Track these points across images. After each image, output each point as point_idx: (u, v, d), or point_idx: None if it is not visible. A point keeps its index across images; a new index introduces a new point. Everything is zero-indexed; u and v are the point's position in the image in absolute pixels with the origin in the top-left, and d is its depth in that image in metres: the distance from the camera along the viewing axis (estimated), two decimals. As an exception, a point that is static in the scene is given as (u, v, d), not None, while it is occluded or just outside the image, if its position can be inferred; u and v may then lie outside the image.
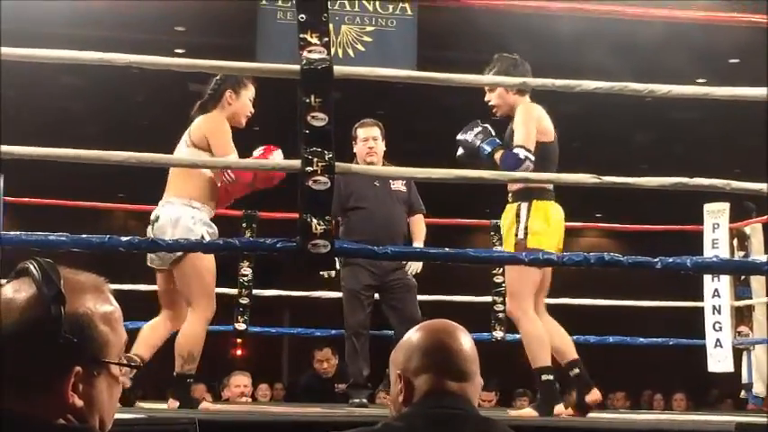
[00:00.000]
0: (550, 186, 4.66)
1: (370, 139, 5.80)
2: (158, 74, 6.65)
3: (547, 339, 4.73)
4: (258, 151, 4.77)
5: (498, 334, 6.70)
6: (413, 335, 2.22)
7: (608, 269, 4.01)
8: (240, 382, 7.60)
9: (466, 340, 2.21)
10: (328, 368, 7.43)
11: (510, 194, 4.78)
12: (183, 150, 4.75)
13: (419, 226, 5.94)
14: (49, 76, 9.00)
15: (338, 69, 3.84)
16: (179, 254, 4.52)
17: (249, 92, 4.84)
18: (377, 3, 7.58)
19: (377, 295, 5.81)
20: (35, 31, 8.37)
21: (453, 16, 8.11)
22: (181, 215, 4.59)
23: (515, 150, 4.52)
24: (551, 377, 4.71)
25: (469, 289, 7.03)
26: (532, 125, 4.61)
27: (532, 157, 4.50)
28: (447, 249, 4.37)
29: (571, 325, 7.88)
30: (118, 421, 3.05)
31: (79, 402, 1.41)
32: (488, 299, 6.74)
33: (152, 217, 4.74)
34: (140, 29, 9.05)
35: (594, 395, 4.79)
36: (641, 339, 7.24)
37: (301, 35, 3.77)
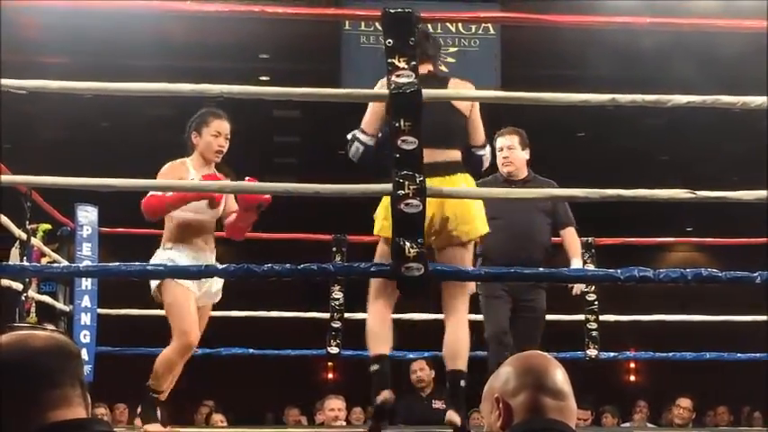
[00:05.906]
0: None
1: (504, 148, 5.49)
2: (242, 100, 6.71)
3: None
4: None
5: (592, 352, 6.62)
6: (507, 363, 2.25)
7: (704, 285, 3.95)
8: (334, 405, 7.59)
9: (558, 366, 2.23)
10: (423, 377, 7.21)
11: None
12: None
13: (569, 239, 5.64)
14: (135, 107, 9.12)
15: (426, 92, 3.85)
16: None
17: (211, 128, 4.93)
18: (459, 24, 7.58)
19: None
20: (120, 64, 8.53)
21: (536, 34, 8.08)
22: (154, 257, 4.85)
23: None
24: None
25: (560, 307, 6.94)
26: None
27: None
28: (541, 269, 4.36)
29: (667, 341, 7.79)
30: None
31: None
32: (581, 317, 6.66)
33: None
34: (224, 57, 9.17)
35: None
36: (738, 355, 7.10)
37: (389, 60, 3.80)
